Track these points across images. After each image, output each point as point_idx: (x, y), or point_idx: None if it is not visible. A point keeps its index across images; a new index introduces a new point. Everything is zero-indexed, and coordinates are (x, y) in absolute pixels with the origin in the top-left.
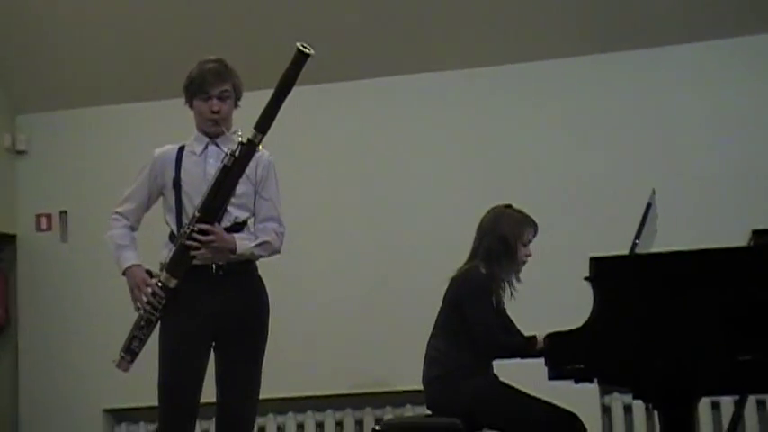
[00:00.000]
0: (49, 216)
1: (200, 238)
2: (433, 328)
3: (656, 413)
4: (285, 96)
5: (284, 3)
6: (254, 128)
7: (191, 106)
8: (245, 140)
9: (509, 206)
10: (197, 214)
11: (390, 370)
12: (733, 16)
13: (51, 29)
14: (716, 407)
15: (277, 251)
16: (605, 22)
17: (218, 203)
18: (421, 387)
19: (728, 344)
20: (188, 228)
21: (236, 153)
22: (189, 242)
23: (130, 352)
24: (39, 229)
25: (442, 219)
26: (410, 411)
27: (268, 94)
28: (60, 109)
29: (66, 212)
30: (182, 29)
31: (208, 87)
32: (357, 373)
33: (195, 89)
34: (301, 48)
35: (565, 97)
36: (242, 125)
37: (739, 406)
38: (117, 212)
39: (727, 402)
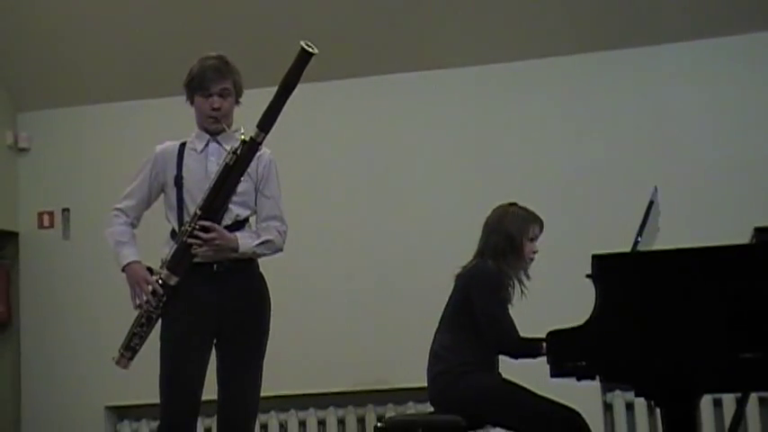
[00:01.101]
0: (51, 213)
1: (202, 235)
2: (439, 323)
3: (658, 410)
4: (288, 95)
5: (286, 1)
6: (257, 126)
7: (191, 103)
8: (247, 139)
9: (514, 204)
10: (198, 212)
11: (392, 367)
12: (733, 14)
13: (52, 26)
14: (718, 404)
15: (279, 249)
16: (605, 20)
17: (219, 201)
18: (423, 384)
19: (730, 341)
20: (190, 225)
21: (239, 151)
22: (191, 240)
23: (130, 349)
24: (41, 226)
25: (444, 216)
26: (412, 409)
27: (270, 91)
28: (62, 106)
29: (68, 210)
30: (183, 26)
31: (208, 84)
32: (359, 370)
33: (196, 86)
34: (305, 46)
35: (566, 95)
36: (245, 122)
37: (741, 404)
38: (117, 209)
39: (729, 400)
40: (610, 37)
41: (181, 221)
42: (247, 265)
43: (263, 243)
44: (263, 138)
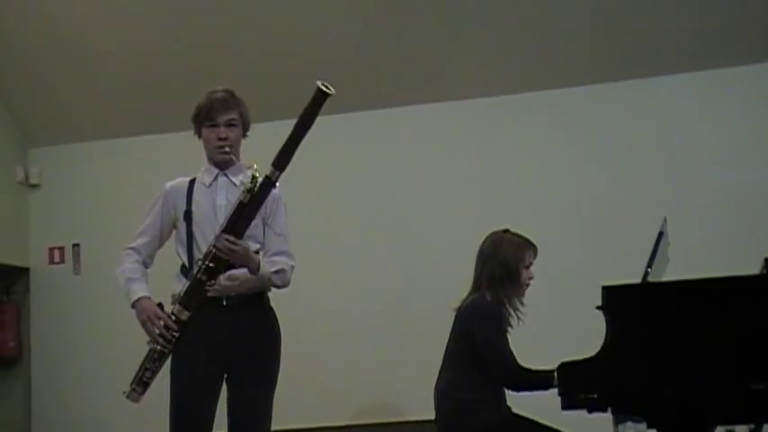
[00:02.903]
0: (61, 249)
1: (231, 238)
2: (443, 361)
3: None
4: (304, 134)
5: (293, 35)
6: (272, 165)
7: (200, 136)
8: (262, 177)
9: (507, 230)
10: (212, 250)
11: (403, 400)
12: (739, 44)
13: (62, 64)
14: None
15: (287, 284)
16: (613, 51)
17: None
18: (433, 417)
19: (741, 372)
20: (203, 263)
21: (254, 190)
22: (204, 276)
23: (142, 384)
24: (51, 261)
25: (453, 247)
26: None
27: (281, 124)
28: (72, 142)
29: (78, 245)
30: (191, 62)
31: (215, 115)
32: (370, 403)
33: (203, 118)
34: (322, 87)
35: (574, 126)
36: (253, 157)
37: None
38: (129, 247)
39: (741, 430)
40: (617, 68)
41: (191, 256)
42: (257, 299)
43: (277, 272)
44: (278, 176)
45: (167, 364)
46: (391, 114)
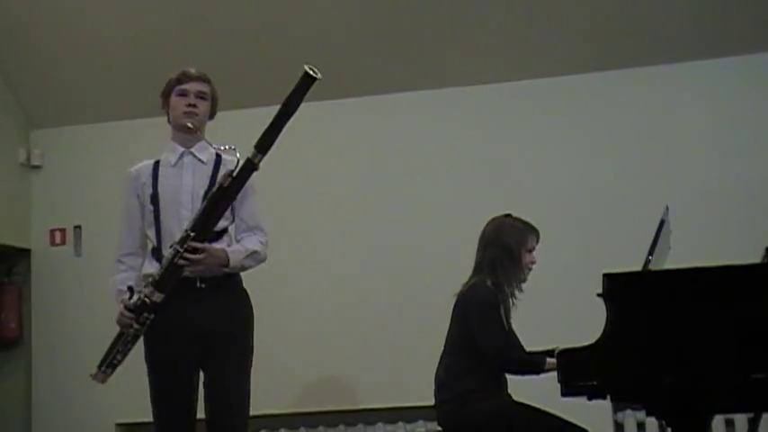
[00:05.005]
0: (63, 231)
1: (191, 257)
2: (444, 347)
3: (669, 430)
4: (288, 118)
5: (290, 20)
6: (255, 147)
7: (167, 112)
8: (243, 160)
9: (509, 215)
10: (191, 234)
11: (402, 386)
12: (744, 33)
13: (64, 46)
14: (730, 424)
15: (263, 260)
16: (615, 39)
17: (211, 223)
18: (432, 403)
19: (741, 361)
20: (181, 247)
21: (234, 173)
22: (181, 261)
23: (112, 366)
24: (53, 243)
25: (454, 233)
26: (422, 428)
27: (274, 111)
28: (74, 124)
29: (80, 227)
30: (194, 45)
31: (186, 82)
32: (369, 388)
33: (174, 84)
34: (308, 71)
35: (577, 114)
36: (243, 143)
37: (754, 423)
38: (118, 258)
39: (741, 419)
40: (620, 56)
41: (159, 238)
42: (231, 281)
43: (250, 255)
44: (261, 159)
45: (141, 353)
46: (392, 101)
